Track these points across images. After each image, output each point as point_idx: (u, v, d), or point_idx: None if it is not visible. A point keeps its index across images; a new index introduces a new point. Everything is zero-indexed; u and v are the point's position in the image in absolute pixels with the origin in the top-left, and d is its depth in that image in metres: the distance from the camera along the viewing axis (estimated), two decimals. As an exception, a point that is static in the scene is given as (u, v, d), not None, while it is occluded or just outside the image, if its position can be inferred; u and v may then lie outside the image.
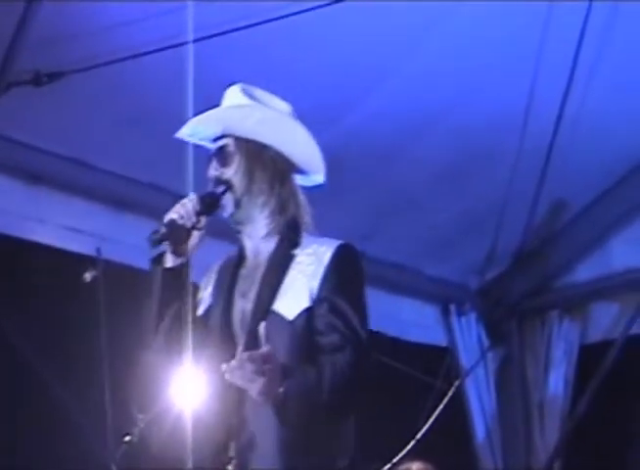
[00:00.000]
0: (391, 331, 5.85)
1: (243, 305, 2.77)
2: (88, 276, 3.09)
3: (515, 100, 4.90)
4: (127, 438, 3.41)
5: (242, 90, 2.90)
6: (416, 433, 5.21)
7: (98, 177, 4.75)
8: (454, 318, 6.30)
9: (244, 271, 2.84)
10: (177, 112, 4.12)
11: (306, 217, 2.89)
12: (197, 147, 4.17)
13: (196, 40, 3.85)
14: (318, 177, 2.95)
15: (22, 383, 4.55)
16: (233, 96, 2.90)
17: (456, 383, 5.82)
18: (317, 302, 2.69)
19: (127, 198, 4.85)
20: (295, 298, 2.70)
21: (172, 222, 2.75)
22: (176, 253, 2.78)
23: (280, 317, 2.69)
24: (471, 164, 5.27)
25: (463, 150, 5.18)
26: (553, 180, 5.30)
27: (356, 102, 4.72)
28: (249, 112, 2.85)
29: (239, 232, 2.90)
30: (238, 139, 2.85)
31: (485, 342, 6.32)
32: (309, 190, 2.98)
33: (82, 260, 4.33)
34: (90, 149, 4.67)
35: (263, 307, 2.71)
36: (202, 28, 3.94)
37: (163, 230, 2.73)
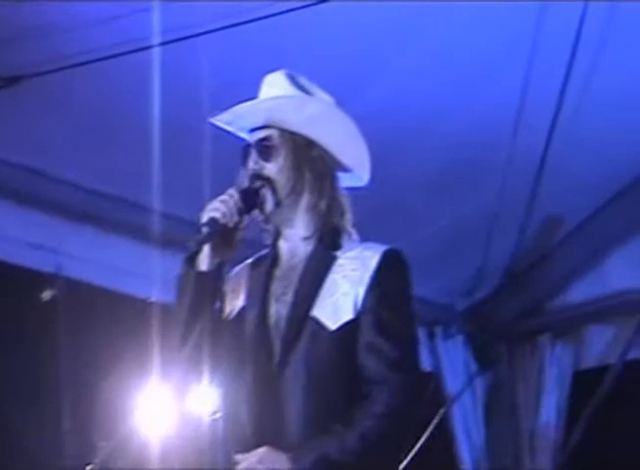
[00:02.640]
0: None
1: (278, 308, 2.73)
2: (47, 295, 3.08)
3: (506, 109, 4.91)
4: (89, 467, 3.39)
5: (287, 77, 2.83)
6: (398, 464, 5.21)
7: (58, 188, 4.73)
8: (439, 341, 6.31)
9: (278, 272, 2.80)
10: (144, 117, 4.20)
11: (349, 220, 2.86)
12: (165, 154, 4.24)
13: (165, 43, 3.91)
14: (362, 177, 2.92)
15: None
16: (277, 83, 2.83)
17: (441, 411, 5.88)
18: (362, 314, 2.65)
19: (90, 211, 4.83)
20: (337, 305, 2.66)
21: (215, 222, 2.65)
22: (214, 255, 2.69)
23: (320, 325, 2.65)
24: (459, 175, 5.27)
25: (450, 160, 5.18)
26: (546, 194, 5.31)
27: (343, 102, 4.74)
28: (301, 104, 2.79)
29: (274, 233, 2.84)
30: (283, 132, 2.79)
31: (473, 367, 6.34)
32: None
33: (40, 278, 4.36)
34: (50, 158, 4.66)
35: (301, 312, 2.67)
36: (172, 29, 3.97)
37: (205, 230, 2.63)
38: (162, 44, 3.96)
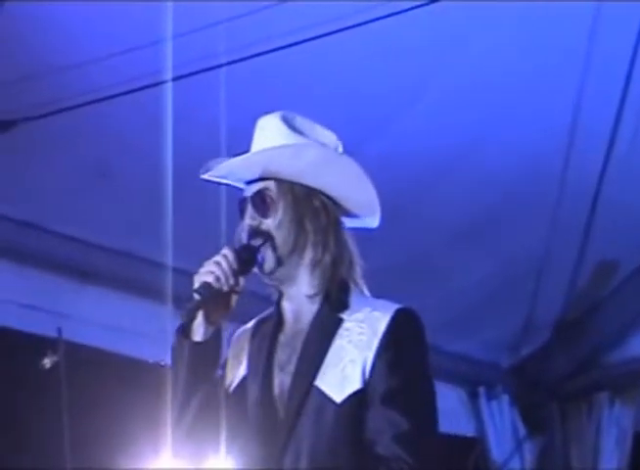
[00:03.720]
0: None
1: (282, 378, 2.68)
2: (47, 362, 2.99)
3: (553, 141, 4.84)
4: None
5: (283, 120, 2.79)
6: None
7: (56, 244, 4.70)
8: (483, 403, 6.26)
9: (282, 338, 2.74)
10: (152, 164, 4.16)
11: (358, 272, 2.79)
12: (175, 205, 4.19)
13: (175, 78, 3.86)
14: (372, 222, 2.86)
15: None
16: (272, 128, 2.79)
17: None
18: (371, 383, 2.59)
19: (92, 268, 4.79)
20: (343, 374, 2.61)
21: (208, 286, 2.60)
22: (209, 322, 2.65)
23: (325, 397, 2.59)
24: (498, 219, 5.22)
25: (488, 201, 5.13)
26: (600, 235, 5.26)
27: (360, 143, 4.71)
28: (297, 152, 2.74)
29: (277, 292, 2.79)
30: (281, 183, 2.74)
31: (521, 430, 6.28)
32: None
33: (41, 343, 4.26)
34: (47, 211, 4.62)
35: (304, 383, 2.62)
36: (178, 66, 3.92)
37: (198, 297, 2.59)
38: (173, 80, 3.92)
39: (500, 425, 6.24)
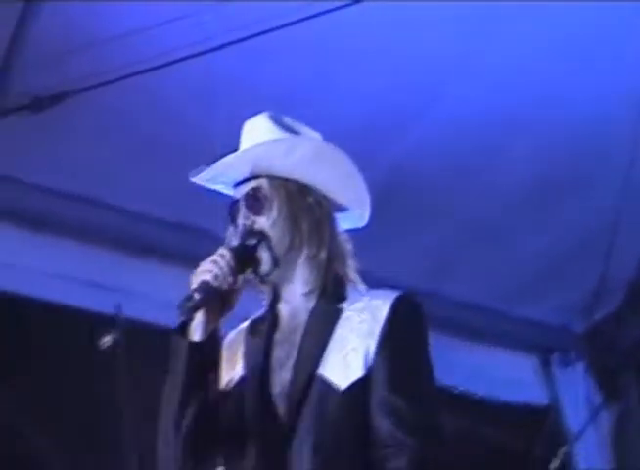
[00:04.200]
0: (479, 390, 5.82)
1: (282, 375, 2.68)
2: (107, 340, 2.97)
3: (626, 101, 4.78)
4: None
5: (271, 119, 2.81)
6: None
7: (115, 218, 4.72)
8: (556, 370, 6.27)
9: (279, 336, 2.75)
10: (207, 132, 4.14)
11: (352, 267, 2.81)
12: None
13: (221, 46, 3.84)
14: (362, 215, 2.88)
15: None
16: (262, 128, 2.80)
17: (562, 450, 5.60)
18: (374, 370, 2.60)
19: (152, 242, 4.82)
20: (346, 362, 2.62)
21: (207, 285, 2.61)
22: (207, 321, 2.65)
23: (328, 386, 2.60)
24: (569, 181, 5.21)
25: (559, 162, 5.08)
26: None
27: (420, 110, 4.66)
28: (291, 146, 2.75)
29: (272, 292, 2.80)
30: (273, 180, 2.76)
31: (597, 397, 6.26)
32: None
33: (99, 321, 4.26)
34: (104, 184, 4.61)
35: (306, 373, 2.62)
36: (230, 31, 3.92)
37: (197, 296, 2.58)
38: (220, 47, 3.88)
39: (574, 393, 6.24)
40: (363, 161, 4.65)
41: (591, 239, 5.53)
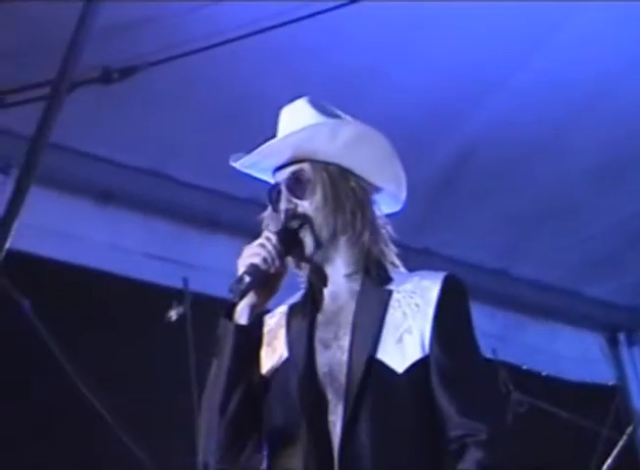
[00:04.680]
0: (546, 368, 5.84)
1: (329, 355, 2.69)
2: (173, 314, 3.02)
3: None
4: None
5: (311, 103, 2.82)
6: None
7: (182, 193, 4.74)
8: (624, 349, 6.27)
9: (321, 318, 2.76)
10: (278, 106, 4.14)
11: (393, 250, 2.83)
12: None
13: (295, 20, 3.80)
14: (398, 197, 2.89)
15: (93, 434, 4.48)
16: (302, 112, 2.82)
17: (629, 430, 5.55)
18: (431, 349, 2.63)
19: (220, 217, 4.85)
20: (402, 345, 2.64)
21: (256, 268, 2.65)
22: (255, 305, 2.69)
23: (386, 369, 2.61)
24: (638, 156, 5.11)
25: (629, 137, 5.01)
26: None
27: (495, 82, 4.60)
28: (336, 130, 2.76)
29: (313, 274, 2.81)
30: (315, 164, 2.77)
31: None
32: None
33: (166, 294, 4.32)
34: (172, 159, 4.65)
35: (363, 357, 2.62)
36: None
37: (247, 279, 2.62)
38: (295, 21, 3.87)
39: (642, 372, 6.19)
40: (436, 135, 4.64)
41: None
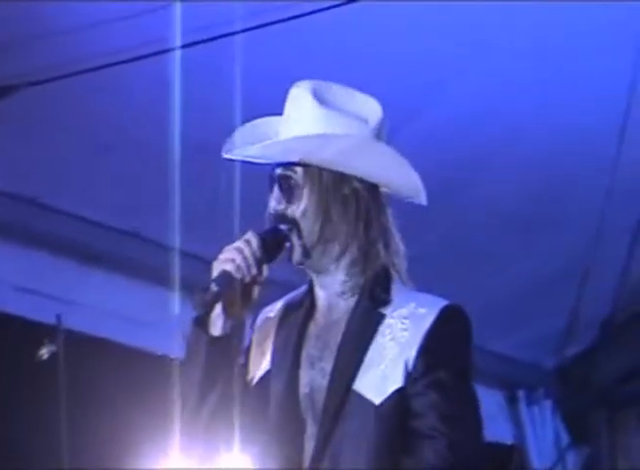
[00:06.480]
0: None
1: (312, 376, 2.68)
2: (45, 352, 2.99)
3: (607, 121, 4.78)
4: None
5: (314, 94, 2.75)
6: None
7: (59, 223, 4.70)
8: (523, 408, 6.27)
9: (313, 328, 2.74)
10: (162, 138, 4.15)
11: (401, 264, 2.77)
12: (187, 183, 4.17)
13: (186, 45, 3.83)
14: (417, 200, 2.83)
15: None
16: (302, 103, 2.76)
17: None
18: (414, 380, 2.59)
19: (98, 250, 4.80)
20: (382, 375, 2.61)
21: (227, 276, 2.58)
22: (228, 315, 2.64)
23: (361, 399, 2.59)
24: (545, 207, 5.21)
25: (535, 188, 5.10)
26: None
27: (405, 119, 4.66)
28: (327, 141, 2.71)
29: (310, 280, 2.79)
30: (308, 168, 2.73)
31: (564, 438, 6.26)
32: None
33: (38, 331, 4.24)
34: (50, 187, 4.62)
35: (342, 386, 2.61)
36: (194, 30, 3.93)
37: (215, 289, 2.55)
38: (185, 46, 3.90)
39: (541, 432, 6.24)
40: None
41: (565, 273, 5.54)
